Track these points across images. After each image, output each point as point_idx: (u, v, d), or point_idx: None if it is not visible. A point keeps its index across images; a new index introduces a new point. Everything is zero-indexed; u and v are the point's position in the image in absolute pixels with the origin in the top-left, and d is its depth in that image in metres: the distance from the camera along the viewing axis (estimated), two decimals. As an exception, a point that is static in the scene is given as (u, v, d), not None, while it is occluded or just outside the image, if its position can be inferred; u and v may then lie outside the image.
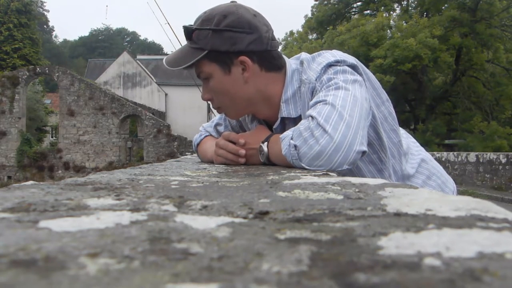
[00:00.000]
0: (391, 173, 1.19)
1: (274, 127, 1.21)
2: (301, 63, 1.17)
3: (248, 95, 1.17)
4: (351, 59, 1.11)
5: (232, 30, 1.11)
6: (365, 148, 0.96)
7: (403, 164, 1.23)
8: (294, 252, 0.26)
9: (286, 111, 1.16)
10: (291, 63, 1.20)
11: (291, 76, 1.17)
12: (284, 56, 1.22)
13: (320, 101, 1.00)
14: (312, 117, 0.98)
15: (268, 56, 1.16)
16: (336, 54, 1.12)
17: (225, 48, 1.11)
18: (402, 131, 1.32)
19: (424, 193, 0.47)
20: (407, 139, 1.32)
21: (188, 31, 1.14)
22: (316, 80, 1.08)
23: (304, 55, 1.20)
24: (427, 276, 0.21)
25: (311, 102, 1.04)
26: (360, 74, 1.09)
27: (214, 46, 1.11)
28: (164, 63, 1.19)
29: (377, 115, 1.13)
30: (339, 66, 1.07)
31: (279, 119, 1.18)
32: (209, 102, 1.26)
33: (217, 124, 1.48)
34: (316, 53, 1.18)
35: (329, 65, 1.08)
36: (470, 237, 0.28)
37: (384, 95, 1.20)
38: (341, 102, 0.97)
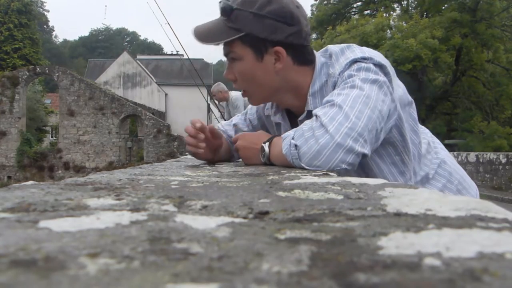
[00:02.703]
0: (412, 176, 1.17)
1: (299, 119, 1.19)
2: (330, 56, 1.15)
3: (276, 85, 1.15)
4: (379, 58, 1.08)
5: (274, 18, 1.08)
6: (366, 151, 0.94)
7: (422, 165, 1.21)
8: (294, 252, 0.26)
9: (313, 104, 1.14)
10: (319, 56, 1.18)
11: (320, 69, 1.15)
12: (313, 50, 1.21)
13: (329, 101, 0.99)
14: (317, 117, 0.97)
15: (303, 51, 1.14)
16: (365, 51, 1.10)
17: (264, 35, 1.09)
18: (426, 131, 1.29)
19: (424, 193, 0.47)
20: (432, 138, 1.29)
21: (227, 9, 1.10)
22: (339, 74, 1.07)
23: (331, 48, 1.18)
24: (427, 276, 0.21)
25: (324, 100, 1.03)
26: (387, 74, 1.06)
27: (253, 31, 1.09)
28: (193, 34, 1.14)
29: (403, 116, 1.10)
30: (364, 63, 1.05)
31: (305, 112, 1.16)
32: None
33: (236, 124, 1.46)
34: (345, 45, 1.16)
35: (355, 61, 1.06)
36: (470, 237, 0.28)
37: (408, 96, 1.18)
38: (351, 102, 0.96)
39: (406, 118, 1.15)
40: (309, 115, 1.16)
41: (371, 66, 1.04)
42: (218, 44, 1.13)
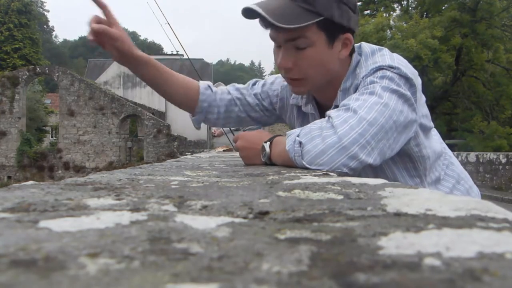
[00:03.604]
0: (423, 180, 1.17)
1: (327, 113, 1.16)
2: (361, 54, 1.14)
3: (334, 73, 1.13)
4: (407, 69, 1.05)
5: (348, 4, 1.06)
6: (372, 160, 0.93)
7: (436, 167, 1.21)
8: (294, 252, 0.26)
9: (341, 100, 1.11)
10: (356, 53, 1.16)
11: (354, 67, 1.14)
12: None
13: (346, 105, 0.98)
14: (329, 117, 0.96)
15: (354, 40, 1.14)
16: (395, 59, 1.08)
17: (341, 21, 1.05)
18: (436, 132, 1.29)
19: (424, 193, 0.47)
20: (438, 140, 1.29)
21: None
22: (362, 78, 1.06)
23: (364, 46, 1.16)
24: (427, 276, 0.21)
25: (341, 103, 1.02)
26: (412, 86, 1.03)
27: (333, 16, 1.03)
28: (266, 14, 0.99)
29: (420, 130, 1.09)
30: (390, 71, 1.03)
31: (333, 106, 1.14)
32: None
33: (254, 84, 1.41)
34: (377, 47, 1.14)
35: (380, 68, 1.04)
36: (470, 237, 0.28)
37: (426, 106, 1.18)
38: (367, 109, 0.94)
39: (426, 129, 1.14)
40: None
41: (396, 76, 1.02)
42: (291, 29, 1.02)
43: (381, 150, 0.95)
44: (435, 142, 1.21)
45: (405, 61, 1.10)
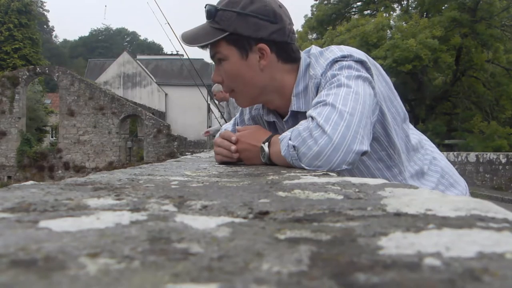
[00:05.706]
0: (401, 170, 1.18)
1: (284, 119, 1.21)
2: (310, 57, 1.18)
3: (262, 83, 1.17)
4: (358, 54, 1.10)
5: (257, 16, 1.11)
6: (366, 147, 0.95)
7: (415, 160, 1.22)
8: (294, 252, 0.26)
9: (296, 105, 1.17)
10: (305, 56, 1.20)
11: (305, 70, 1.17)
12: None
13: (321, 102, 1.00)
14: (312, 118, 0.98)
15: (287, 48, 1.17)
16: (344, 49, 1.12)
17: (248, 33, 1.12)
18: (413, 127, 1.31)
19: (424, 193, 0.47)
20: (420, 136, 1.31)
21: (211, 11, 1.13)
22: (321, 75, 1.09)
23: (313, 49, 1.20)
24: (427, 276, 0.21)
25: (313, 102, 1.04)
26: (368, 69, 1.08)
27: (237, 29, 1.11)
28: (181, 38, 1.17)
29: (386, 111, 1.12)
30: (345, 61, 1.07)
31: (289, 113, 1.19)
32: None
33: (236, 123, 1.48)
34: (325, 47, 1.18)
35: (335, 61, 1.08)
36: (470, 237, 0.28)
37: (393, 91, 1.20)
38: (342, 100, 0.97)
39: (390, 112, 1.16)
40: (293, 115, 1.19)
41: (352, 63, 1.06)
42: (204, 47, 1.15)
43: (368, 135, 0.98)
44: (410, 132, 1.23)
45: (353, 48, 1.14)
